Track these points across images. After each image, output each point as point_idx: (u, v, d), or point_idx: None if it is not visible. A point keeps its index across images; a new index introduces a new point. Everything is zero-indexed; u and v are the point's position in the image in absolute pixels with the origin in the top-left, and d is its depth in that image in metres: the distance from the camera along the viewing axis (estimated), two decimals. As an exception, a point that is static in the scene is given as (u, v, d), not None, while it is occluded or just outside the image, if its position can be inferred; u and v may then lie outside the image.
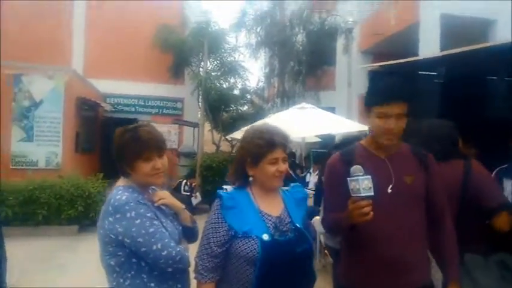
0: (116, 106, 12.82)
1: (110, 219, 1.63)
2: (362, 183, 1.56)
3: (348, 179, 1.61)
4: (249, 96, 14.44)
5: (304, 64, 12.75)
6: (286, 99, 12.88)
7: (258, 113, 14.27)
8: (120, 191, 1.69)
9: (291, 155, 10.62)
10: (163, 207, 1.80)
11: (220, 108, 12.69)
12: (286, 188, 1.88)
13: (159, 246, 1.61)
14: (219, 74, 12.35)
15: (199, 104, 12.43)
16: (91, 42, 12.62)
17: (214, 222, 1.66)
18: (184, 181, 10.09)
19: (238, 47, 12.99)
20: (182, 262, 1.67)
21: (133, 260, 1.65)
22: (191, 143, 12.89)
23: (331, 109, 10.02)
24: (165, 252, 1.61)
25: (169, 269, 1.64)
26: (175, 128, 13.33)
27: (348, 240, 1.94)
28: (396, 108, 1.73)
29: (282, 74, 13.14)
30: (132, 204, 1.63)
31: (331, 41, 12.27)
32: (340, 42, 12.09)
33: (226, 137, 12.70)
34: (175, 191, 9.94)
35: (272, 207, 1.74)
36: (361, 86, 10.73)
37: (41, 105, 9.11)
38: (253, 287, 1.58)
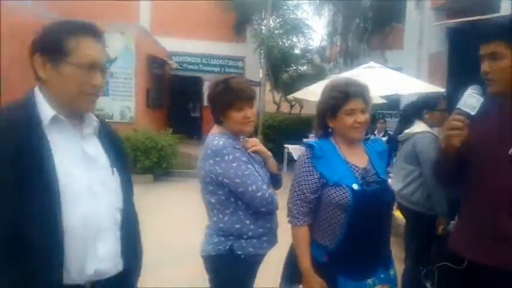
0: (180, 64, 13.24)
1: (210, 161, 1.82)
2: (468, 99, 1.51)
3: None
4: (309, 56, 14.15)
5: (371, 21, 12.12)
6: (349, 58, 12.46)
7: (319, 73, 14.02)
8: (216, 137, 1.87)
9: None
10: (252, 154, 1.97)
11: (281, 68, 12.64)
12: (366, 141, 1.94)
13: (254, 187, 1.79)
14: (281, 32, 12.17)
15: (261, 62, 12.45)
16: (157, 2, 12.91)
17: (306, 171, 1.75)
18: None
19: (301, 3, 12.63)
20: (273, 204, 1.84)
21: (232, 199, 1.85)
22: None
23: (398, 69, 9.54)
24: (259, 194, 1.79)
25: (263, 209, 1.83)
26: (236, 86, 13.54)
27: (462, 204, 1.79)
28: (486, 48, 1.55)
29: (346, 32, 12.64)
30: (229, 148, 1.81)
31: (402, -4, 11.46)
32: (411, -2, 11.28)
33: (287, 97, 12.72)
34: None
35: (358, 158, 1.81)
36: (433, 44, 10.10)
37: (115, 62, 9.70)
38: (344, 231, 1.69)
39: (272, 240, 1.98)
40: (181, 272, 3.68)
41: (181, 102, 13.35)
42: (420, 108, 3.04)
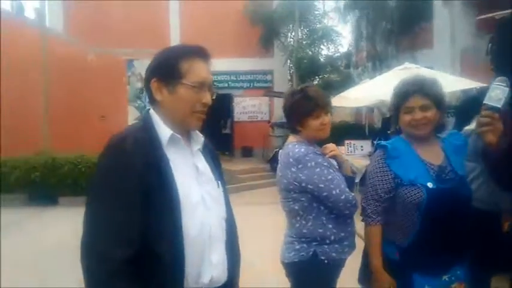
0: (211, 83, 13.54)
1: (293, 169, 1.88)
2: (493, 92, 1.47)
3: None
4: (339, 63, 14.16)
5: (397, 23, 12.03)
6: (378, 62, 12.37)
7: (346, 80, 13.97)
8: (296, 145, 1.93)
9: (387, 120, 10.27)
10: (329, 159, 2.01)
11: (310, 77, 12.70)
12: (444, 135, 1.92)
13: (337, 191, 1.83)
14: (309, 42, 12.27)
15: (290, 74, 12.56)
16: (185, 25, 13.36)
17: (380, 171, 1.80)
18: (280, 150, 10.42)
19: (327, 12, 12.72)
20: (356, 206, 1.87)
21: (315, 204, 1.89)
22: (282, 114, 13.18)
23: (429, 68, 9.42)
24: (343, 197, 1.83)
25: (347, 212, 1.86)
26: (266, 100, 13.71)
27: None
28: None
29: (373, 35, 12.58)
30: (311, 155, 1.87)
31: (428, -7, 11.33)
32: (438, -6, 11.13)
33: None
34: (273, 160, 10.37)
35: (433, 155, 1.81)
36: (464, 40, 9.90)
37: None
38: (418, 228, 1.71)
39: (352, 244, 2.00)
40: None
41: (212, 119, 13.59)
42: (478, 104, 2.99)
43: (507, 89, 1.45)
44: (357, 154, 7.86)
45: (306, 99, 1.92)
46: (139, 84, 10.06)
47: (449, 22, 10.62)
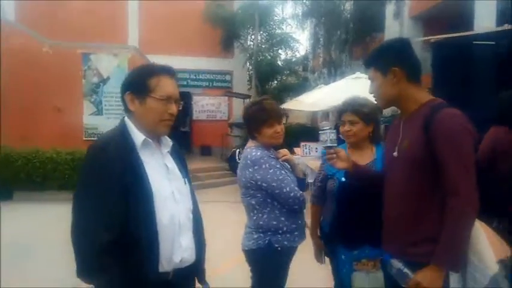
0: (170, 80, 13.53)
1: (250, 170, 2.14)
2: (321, 137, 1.87)
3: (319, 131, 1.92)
4: (297, 67, 14.64)
5: (351, 32, 12.70)
6: (333, 68, 13.00)
7: (303, 83, 14.50)
8: (253, 150, 2.20)
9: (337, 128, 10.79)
10: (283, 162, 2.29)
11: (268, 80, 13.05)
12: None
13: (287, 189, 2.11)
14: (267, 46, 12.62)
15: (249, 76, 12.83)
16: (145, 20, 13.25)
17: (319, 167, 2.44)
18: (239, 150, 10.71)
19: (286, 18, 13.14)
20: (304, 202, 2.17)
21: (269, 200, 2.16)
22: (240, 114, 13.43)
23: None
24: (292, 194, 2.11)
25: (295, 207, 2.15)
26: (225, 100, 13.92)
27: None
28: (369, 72, 1.81)
29: (329, 43, 13.18)
30: (265, 158, 2.14)
31: (380, 6, 12.08)
32: (390, 8, 11.92)
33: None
34: (231, 158, 10.61)
35: (362, 158, 2.22)
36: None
37: (108, 82, 9.89)
38: (334, 212, 2.22)
39: (302, 234, 2.29)
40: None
41: (171, 117, 13.58)
42: None
43: (328, 131, 1.84)
44: (312, 155, 8.19)
45: (261, 111, 2.20)
46: (96, 79, 9.86)
47: (399, 34, 11.37)
